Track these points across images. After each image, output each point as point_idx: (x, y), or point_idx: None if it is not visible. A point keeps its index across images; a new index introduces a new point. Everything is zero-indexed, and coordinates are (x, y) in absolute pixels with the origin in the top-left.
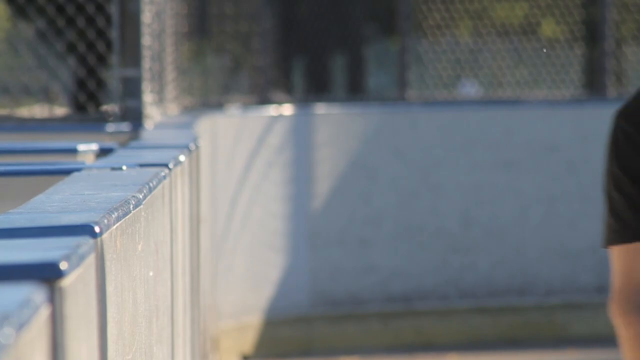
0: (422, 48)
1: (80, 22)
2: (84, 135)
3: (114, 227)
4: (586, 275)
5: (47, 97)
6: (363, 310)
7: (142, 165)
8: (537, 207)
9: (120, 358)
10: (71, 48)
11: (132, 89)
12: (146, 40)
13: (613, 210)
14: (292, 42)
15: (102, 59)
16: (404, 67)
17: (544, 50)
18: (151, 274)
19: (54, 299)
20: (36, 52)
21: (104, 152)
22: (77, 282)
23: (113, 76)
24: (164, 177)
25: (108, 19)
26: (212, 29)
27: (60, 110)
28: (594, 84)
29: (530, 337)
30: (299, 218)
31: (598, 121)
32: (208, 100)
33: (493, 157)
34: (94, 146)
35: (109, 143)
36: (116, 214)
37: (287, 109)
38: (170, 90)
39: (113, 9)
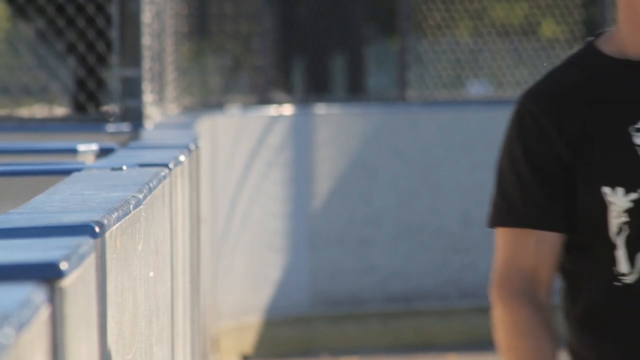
0: (422, 48)
1: (80, 22)
2: (84, 135)
3: (114, 227)
4: None
5: (47, 97)
6: (363, 310)
7: (142, 165)
8: None
9: (121, 358)
10: (71, 48)
11: (132, 89)
12: (146, 40)
13: (504, 191)
14: (292, 42)
15: (102, 59)
16: (404, 67)
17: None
18: (151, 274)
19: (54, 299)
20: (36, 52)
21: (104, 152)
22: (77, 282)
23: (113, 76)
24: (164, 177)
25: (108, 19)
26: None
27: (60, 110)
28: None
29: None
30: (299, 218)
31: None
32: (208, 100)
33: (493, 157)
34: (94, 146)
35: (109, 143)
36: (116, 214)
37: (287, 109)
38: (170, 91)
39: (113, 9)
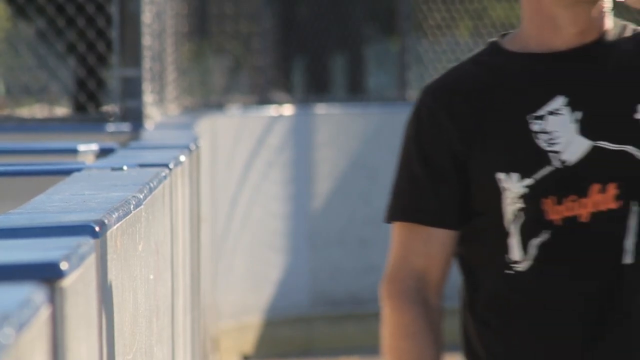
0: (422, 48)
1: (81, 22)
2: (84, 135)
3: (115, 227)
4: None
5: (47, 97)
6: (363, 310)
7: (142, 166)
8: None
9: (121, 358)
10: (71, 48)
11: (132, 89)
12: (146, 40)
13: (398, 187)
14: (292, 42)
15: (102, 59)
16: (404, 67)
17: None
18: (152, 277)
19: (55, 299)
20: (36, 52)
21: (104, 152)
22: (77, 282)
23: (113, 76)
24: (165, 177)
25: (108, 19)
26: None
27: (60, 111)
28: None
29: None
30: (299, 218)
31: None
32: (208, 100)
33: None
34: (94, 146)
35: (109, 143)
36: (116, 214)
37: (287, 109)
38: (171, 91)
39: (113, 9)
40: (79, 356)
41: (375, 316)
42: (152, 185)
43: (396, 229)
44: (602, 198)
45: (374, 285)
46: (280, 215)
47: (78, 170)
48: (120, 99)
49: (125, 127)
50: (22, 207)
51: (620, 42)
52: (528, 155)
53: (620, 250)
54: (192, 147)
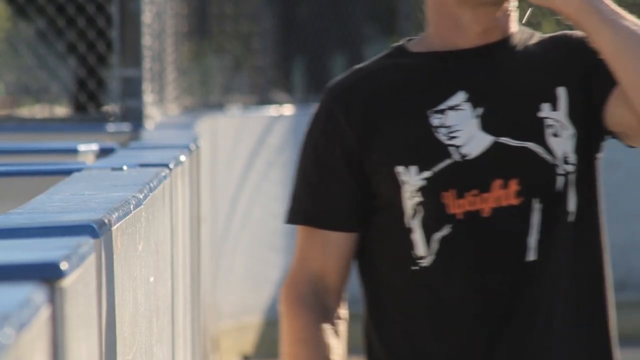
0: None
1: (81, 22)
2: (85, 135)
3: (115, 227)
4: None
5: (47, 97)
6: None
7: (142, 166)
8: None
9: (121, 358)
10: (71, 48)
11: (132, 89)
12: (146, 40)
13: (296, 188)
14: (292, 42)
15: (102, 59)
16: None
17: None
18: (152, 279)
19: (54, 299)
20: (36, 52)
21: (104, 152)
22: (77, 282)
23: (113, 76)
24: (165, 177)
25: (108, 19)
26: (212, 29)
27: (60, 111)
28: None
29: None
30: None
31: None
32: (208, 100)
33: None
34: (95, 146)
35: (109, 143)
36: (116, 214)
37: (287, 109)
38: (171, 91)
39: (113, 9)
40: (79, 356)
41: None
42: (152, 185)
43: (298, 231)
44: (503, 194)
45: None
46: (280, 215)
47: (78, 170)
48: (121, 99)
49: (125, 127)
50: (22, 207)
51: (526, 45)
52: (427, 149)
53: (523, 247)
54: (192, 147)
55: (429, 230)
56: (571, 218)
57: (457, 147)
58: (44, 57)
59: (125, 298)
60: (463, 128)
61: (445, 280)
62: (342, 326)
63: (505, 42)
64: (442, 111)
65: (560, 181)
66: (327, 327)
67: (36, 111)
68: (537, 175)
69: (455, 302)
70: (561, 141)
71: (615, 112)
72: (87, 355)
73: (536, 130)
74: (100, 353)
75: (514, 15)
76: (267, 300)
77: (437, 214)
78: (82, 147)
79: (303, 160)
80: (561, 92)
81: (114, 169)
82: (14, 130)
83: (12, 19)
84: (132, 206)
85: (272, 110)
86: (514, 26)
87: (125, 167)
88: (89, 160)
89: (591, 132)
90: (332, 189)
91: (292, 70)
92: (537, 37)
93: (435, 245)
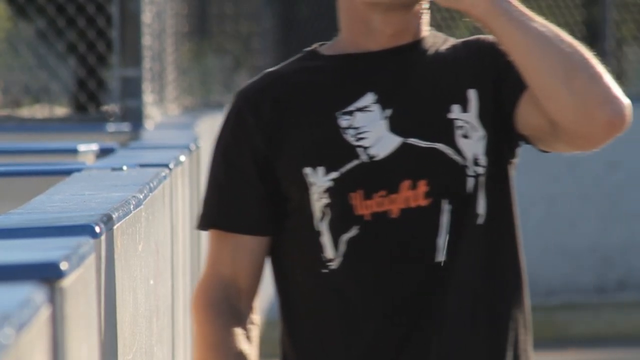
0: None
1: (81, 22)
2: (84, 135)
3: (115, 227)
4: (586, 275)
5: (47, 97)
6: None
7: (142, 166)
8: (537, 207)
9: (121, 358)
10: (71, 48)
11: (132, 89)
12: (146, 40)
13: (207, 192)
14: (292, 42)
15: (102, 59)
16: None
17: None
18: (152, 282)
19: (54, 299)
20: (36, 52)
21: (104, 153)
22: (77, 282)
23: (113, 76)
24: (165, 177)
25: (108, 19)
26: (212, 29)
27: (60, 110)
28: None
29: None
30: None
31: None
32: (208, 100)
33: None
34: (94, 146)
35: (109, 143)
36: (116, 214)
37: None
38: (171, 91)
39: (113, 9)
40: (79, 356)
41: None
42: (152, 185)
43: (209, 236)
44: (412, 194)
45: None
46: None
47: (78, 170)
48: (120, 99)
49: (125, 127)
50: (22, 207)
51: (437, 48)
52: (334, 150)
53: (432, 248)
54: (192, 147)
55: (337, 232)
56: (481, 220)
57: (365, 148)
58: (44, 57)
59: (125, 298)
60: (371, 129)
61: (353, 282)
62: (255, 331)
63: (416, 45)
64: (350, 112)
65: (470, 183)
66: (238, 333)
67: (36, 111)
68: (446, 176)
69: (364, 305)
70: (471, 143)
71: (525, 115)
72: (87, 355)
73: (446, 131)
74: (100, 353)
75: (425, 18)
76: (267, 300)
77: (345, 215)
78: (82, 147)
79: (213, 163)
80: (472, 94)
81: (114, 169)
82: (14, 130)
83: (12, 19)
84: (132, 206)
85: None
86: (426, 29)
87: (125, 167)
88: (89, 160)
89: (503, 135)
90: (242, 192)
91: None
92: (450, 41)
93: (343, 247)
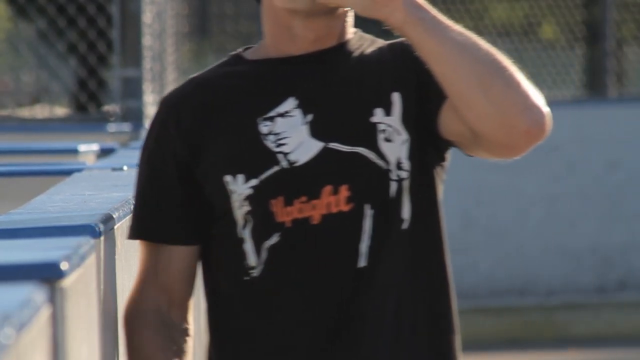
0: None
1: (81, 22)
2: (85, 135)
3: (115, 227)
4: (586, 276)
5: (48, 97)
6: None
7: None
8: (537, 207)
9: (121, 358)
10: (72, 48)
11: (132, 89)
12: (147, 40)
13: (135, 202)
14: None
15: (102, 59)
16: None
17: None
18: None
19: (55, 299)
20: (37, 53)
21: (104, 153)
22: (77, 282)
23: (114, 76)
24: None
25: (109, 19)
26: (213, 29)
27: (61, 111)
28: (594, 84)
29: (531, 337)
30: None
31: (598, 121)
32: None
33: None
34: (95, 146)
35: (109, 143)
36: (117, 214)
37: None
38: None
39: (114, 10)
40: (79, 356)
41: None
42: None
43: (139, 246)
44: (334, 200)
45: None
46: None
47: (79, 170)
48: (121, 99)
49: (126, 127)
50: (22, 207)
51: (362, 50)
52: (254, 157)
53: (354, 254)
54: None
55: (259, 240)
56: (405, 225)
57: (286, 154)
58: (45, 57)
59: (125, 298)
60: (292, 135)
61: (275, 290)
62: (189, 342)
63: (340, 48)
64: (271, 118)
65: (393, 187)
66: (168, 346)
67: (36, 111)
68: (368, 181)
69: (287, 312)
70: (394, 146)
71: (447, 122)
72: (87, 355)
73: (368, 135)
74: (100, 353)
75: (350, 21)
76: None
77: (266, 222)
78: (82, 147)
79: (139, 172)
80: (396, 98)
81: (114, 169)
82: (14, 130)
83: (13, 19)
84: (132, 206)
85: None
86: (352, 31)
87: (125, 167)
88: (90, 160)
89: (427, 139)
90: (166, 200)
91: None
92: (377, 43)
93: (264, 254)
